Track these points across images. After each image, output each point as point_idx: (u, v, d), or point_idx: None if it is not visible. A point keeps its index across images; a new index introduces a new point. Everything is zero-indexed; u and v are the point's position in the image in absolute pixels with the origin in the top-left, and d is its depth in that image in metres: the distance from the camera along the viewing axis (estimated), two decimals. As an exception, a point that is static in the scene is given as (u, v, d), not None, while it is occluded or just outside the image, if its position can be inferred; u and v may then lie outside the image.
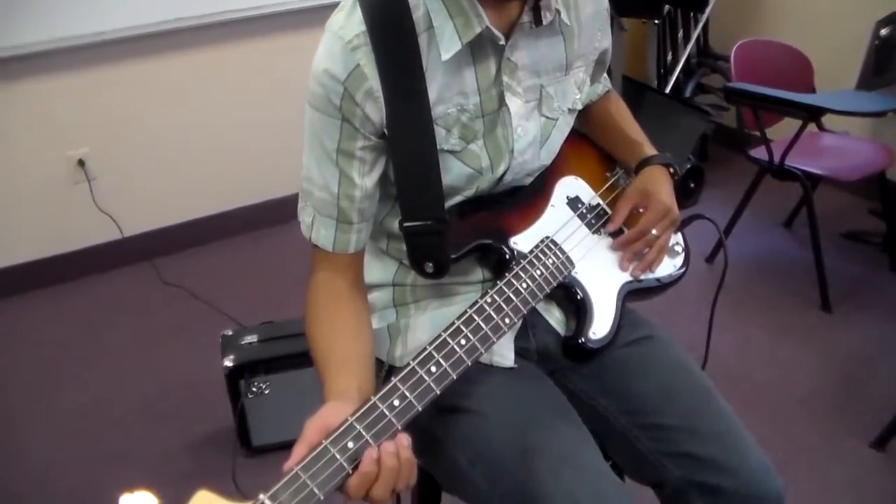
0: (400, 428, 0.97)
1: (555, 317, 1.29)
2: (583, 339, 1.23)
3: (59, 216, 3.47)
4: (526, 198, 1.29)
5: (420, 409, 0.99)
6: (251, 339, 2.52)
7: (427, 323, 1.25)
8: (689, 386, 1.25)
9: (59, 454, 2.57)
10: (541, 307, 1.28)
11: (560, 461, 1.09)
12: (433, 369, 1.02)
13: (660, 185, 1.33)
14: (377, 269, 1.30)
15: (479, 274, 1.26)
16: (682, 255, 1.40)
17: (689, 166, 1.38)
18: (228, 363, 2.43)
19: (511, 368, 1.23)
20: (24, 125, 3.31)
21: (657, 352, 1.30)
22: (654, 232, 1.31)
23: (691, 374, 1.27)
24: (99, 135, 3.45)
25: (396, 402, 0.97)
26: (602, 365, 1.28)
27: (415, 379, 1.00)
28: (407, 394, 0.98)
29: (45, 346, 3.15)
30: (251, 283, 3.39)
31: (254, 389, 2.46)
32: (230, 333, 2.56)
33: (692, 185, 1.42)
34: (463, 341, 1.06)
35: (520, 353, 1.26)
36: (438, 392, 1.01)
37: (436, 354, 1.03)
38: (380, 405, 0.96)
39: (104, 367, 2.98)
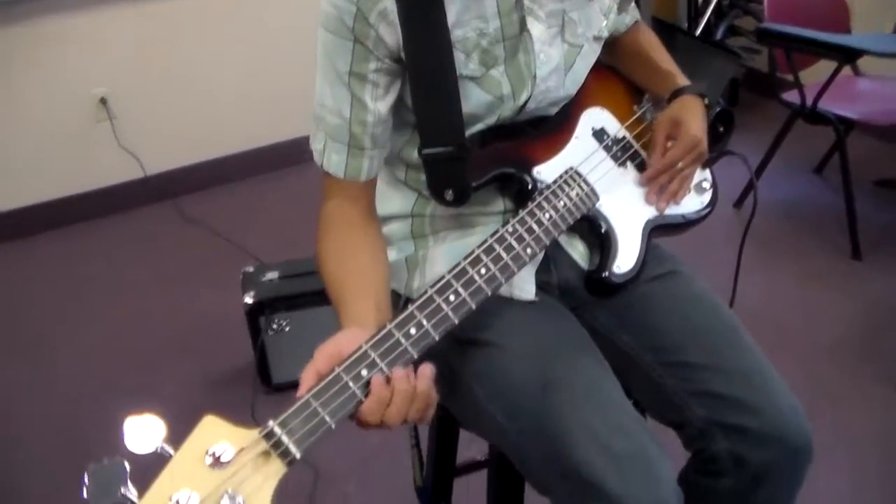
0: (416, 356, 0.95)
1: (578, 250, 1.26)
2: (606, 273, 1.20)
3: (82, 155, 3.47)
4: (550, 128, 1.25)
5: (437, 338, 0.97)
6: (272, 275, 2.52)
7: (446, 254, 1.23)
8: (716, 323, 1.22)
9: (80, 389, 2.60)
10: (563, 240, 1.25)
11: (581, 396, 1.07)
12: (451, 298, 0.99)
13: (692, 115, 1.28)
14: (395, 200, 1.28)
15: (500, 204, 1.23)
16: (710, 192, 1.36)
17: (718, 110, 1.34)
18: (249, 300, 2.43)
19: (532, 302, 1.20)
20: (46, 64, 3.29)
21: (682, 287, 1.27)
22: (679, 165, 1.27)
23: (718, 310, 1.24)
24: (121, 73, 3.43)
25: (413, 331, 0.95)
26: (625, 300, 1.25)
27: (432, 307, 0.98)
28: (424, 322, 0.96)
29: (69, 284, 3.17)
30: (273, 222, 3.38)
31: (274, 326, 2.46)
32: (251, 270, 2.56)
33: (721, 129, 1.38)
34: (483, 270, 1.03)
35: (541, 287, 1.23)
36: (456, 321, 0.99)
37: (454, 283, 1.01)
38: (395, 333, 0.94)
39: (126, 304, 3.00)
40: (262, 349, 2.47)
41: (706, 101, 1.31)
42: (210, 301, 2.92)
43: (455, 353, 1.16)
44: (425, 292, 0.98)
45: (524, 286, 1.20)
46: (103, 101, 3.42)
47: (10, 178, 3.39)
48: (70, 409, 2.49)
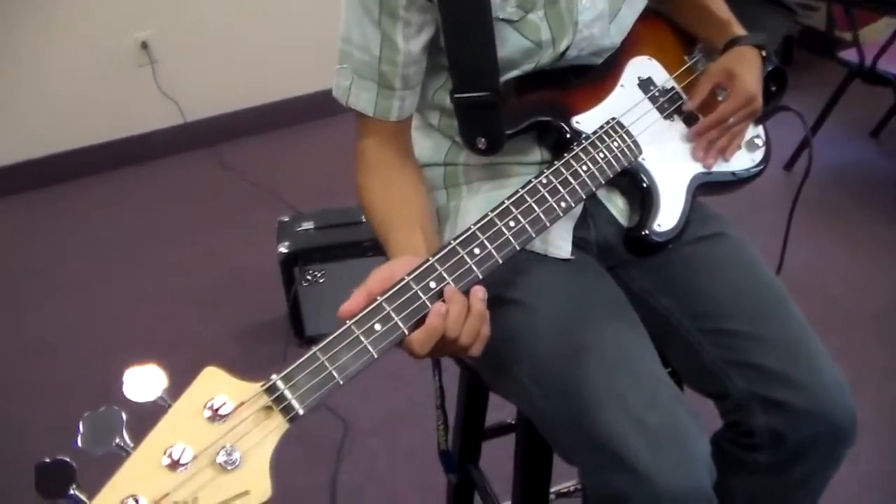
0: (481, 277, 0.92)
1: (617, 206, 1.19)
2: (646, 232, 1.13)
3: (122, 100, 3.45)
4: (593, 77, 1.18)
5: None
6: (308, 225, 2.47)
7: (479, 205, 1.16)
8: (761, 290, 1.14)
9: (112, 338, 2.60)
10: (602, 195, 1.18)
11: (613, 363, 1.01)
12: (476, 251, 0.93)
13: (747, 67, 1.20)
14: (428, 147, 1.21)
15: (537, 154, 1.16)
16: (763, 149, 1.28)
17: (770, 69, 1.25)
18: (283, 249, 2.39)
19: (567, 260, 1.14)
20: (88, 6, 3.26)
21: (728, 251, 1.19)
22: (731, 120, 1.19)
23: (764, 277, 1.16)
24: (163, 17, 3.39)
25: (433, 284, 0.90)
26: (666, 262, 1.18)
27: (454, 260, 0.92)
28: (445, 275, 0.90)
29: (105, 230, 3.17)
30: (312, 172, 3.34)
31: (308, 278, 2.43)
32: (287, 220, 2.52)
33: (774, 88, 1.29)
34: (512, 223, 0.97)
35: (578, 244, 1.16)
36: (480, 276, 0.93)
37: (480, 235, 0.94)
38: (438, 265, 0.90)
39: (161, 251, 2.99)
40: (296, 300, 2.44)
41: (764, 52, 1.22)
42: (245, 250, 2.89)
43: None
44: (448, 244, 0.93)
45: (559, 243, 1.13)
46: (145, 45, 3.38)
47: (51, 122, 3.37)
48: (102, 356, 2.48)
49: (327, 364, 0.81)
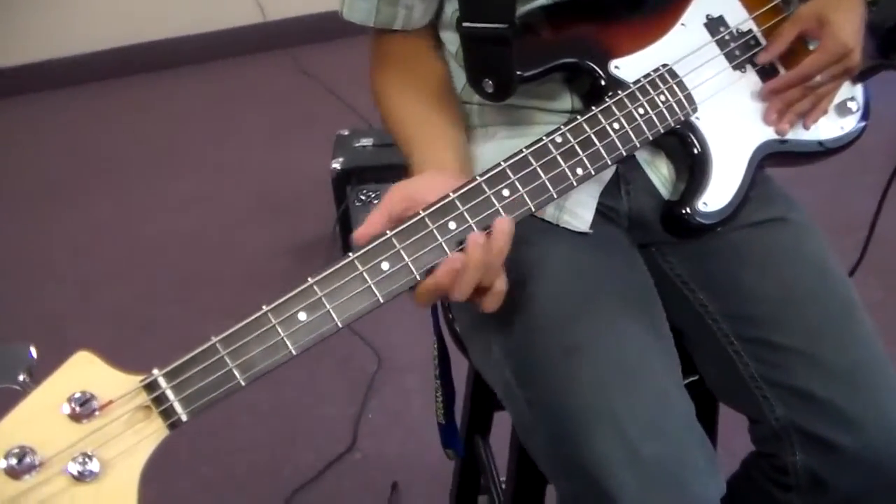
0: None
1: (660, 173, 0.98)
2: (688, 210, 0.92)
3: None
4: (647, 10, 0.96)
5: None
6: (366, 142, 2.32)
7: (492, 154, 0.96)
8: (823, 295, 0.93)
9: (165, 237, 2.54)
10: (643, 158, 0.97)
11: (612, 371, 0.82)
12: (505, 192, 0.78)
13: (845, 14, 0.95)
14: None
15: (567, 101, 0.96)
16: (857, 114, 1.04)
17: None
18: (336, 165, 2.25)
19: (584, 234, 0.94)
20: None
21: (789, 241, 0.97)
22: (818, 78, 0.95)
23: (830, 278, 0.94)
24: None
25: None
26: (711, 247, 0.97)
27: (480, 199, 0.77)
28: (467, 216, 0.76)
29: (172, 124, 3.11)
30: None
31: (361, 197, 2.28)
32: (346, 133, 2.37)
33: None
34: (506, 192, 0.78)
35: (605, 213, 0.97)
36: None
37: (487, 189, 0.78)
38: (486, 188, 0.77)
39: (226, 153, 2.91)
40: (346, 219, 2.30)
41: None
42: (309, 160, 2.76)
43: None
44: (473, 179, 0.78)
45: (578, 210, 0.94)
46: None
47: (130, 13, 3.28)
48: (152, 255, 2.44)
49: (228, 360, 0.65)
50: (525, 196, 0.80)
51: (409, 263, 0.73)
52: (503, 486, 1.19)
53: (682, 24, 0.97)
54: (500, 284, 0.77)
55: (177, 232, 2.55)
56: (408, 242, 0.73)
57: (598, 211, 0.95)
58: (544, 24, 0.91)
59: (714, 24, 0.99)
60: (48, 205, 2.74)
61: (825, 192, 2.23)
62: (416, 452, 1.84)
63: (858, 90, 1.05)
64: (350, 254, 0.72)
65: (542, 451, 0.86)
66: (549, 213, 0.94)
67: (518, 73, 0.86)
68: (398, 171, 2.29)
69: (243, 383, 0.66)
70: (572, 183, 0.82)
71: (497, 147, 0.98)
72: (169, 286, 2.35)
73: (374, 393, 1.98)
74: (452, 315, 1.10)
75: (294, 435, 1.90)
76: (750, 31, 1.01)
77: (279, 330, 0.68)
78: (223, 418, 1.91)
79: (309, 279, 0.71)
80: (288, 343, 0.68)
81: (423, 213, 0.74)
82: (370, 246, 0.72)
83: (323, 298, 0.70)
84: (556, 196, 0.81)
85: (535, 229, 0.92)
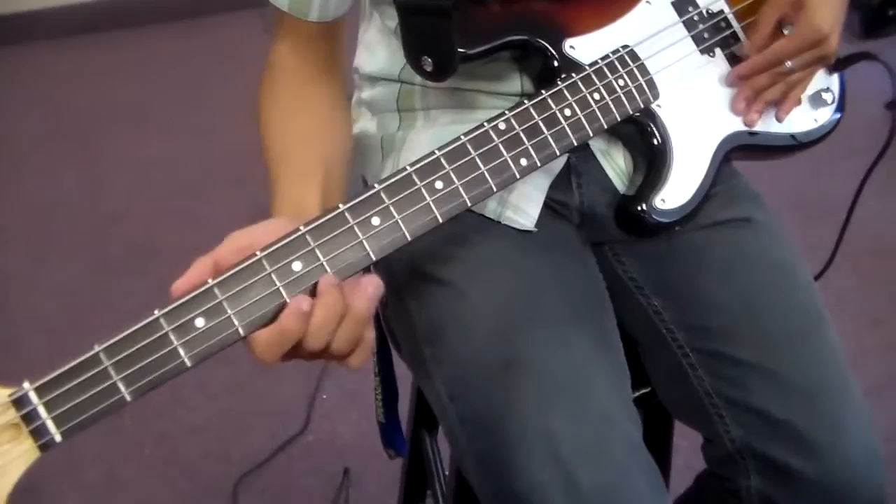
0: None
1: (616, 165, 0.90)
2: (643, 207, 0.84)
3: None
4: (611, -15, 0.88)
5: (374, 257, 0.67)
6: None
7: (431, 140, 0.88)
8: (787, 306, 0.85)
9: (127, 204, 2.45)
10: (598, 147, 0.90)
11: (553, 388, 0.75)
12: (375, 221, 0.67)
13: None
14: (382, 58, 0.94)
15: (516, 83, 0.88)
16: (832, 107, 0.96)
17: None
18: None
19: (529, 232, 0.87)
20: None
21: (753, 245, 0.89)
22: (789, 64, 0.88)
23: (795, 287, 0.87)
24: None
25: (296, 266, 0.64)
26: (669, 248, 0.90)
27: (341, 229, 0.66)
28: (319, 254, 0.65)
29: (142, 86, 3.01)
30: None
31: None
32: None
33: (891, 12, 0.95)
34: (439, 184, 0.70)
35: (554, 208, 0.90)
36: (409, 237, 0.68)
37: (417, 181, 0.69)
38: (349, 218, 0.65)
39: (192, 118, 2.82)
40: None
41: None
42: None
43: (411, 287, 0.86)
44: (372, 187, 0.67)
45: (524, 205, 0.86)
46: None
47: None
48: (110, 223, 2.37)
49: (112, 372, 0.58)
50: (460, 189, 0.72)
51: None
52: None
53: (647, 2, 0.89)
54: (369, 335, 0.65)
55: (139, 198, 2.47)
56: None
57: (546, 205, 0.88)
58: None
59: (682, 4, 0.91)
60: (7, 165, 2.65)
61: (803, 176, 2.17)
62: (371, 437, 1.75)
63: (834, 80, 0.98)
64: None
65: (474, 473, 0.79)
66: (490, 208, 0.86)
67: (460, 50, 0.78)
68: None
69: (129, 398, 0.58)
70: (515, 174, 0.75)
71: (437, 134, 0.89)
72: (126, 256, 2.27)
73: (328, 373, 1.90)
74: (387, 304, 1.01)
75: (245, 415, 1.84)
76: (721, 11, 0.93)
77: (171, 337, 0.60)
78: (171, 398, 1.84)
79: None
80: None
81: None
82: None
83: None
84: (495, 189, 0.74)
85: (473, 226, 0.84)
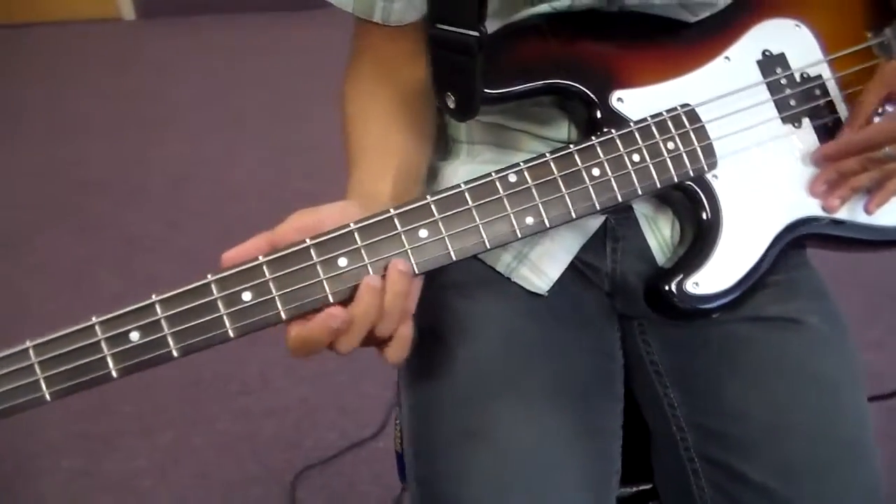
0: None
1: (660, 234, 0.81)
2: (670, 287, 0.74)
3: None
4: (685, 36, 0.79)
5: None
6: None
7: (467, 176, 0.82)
8: (823, 427, 0.73)
9: (255, 179, 2.50)
10: (642, 212, 0.81)
11: (514, 469, 0.68)
12: (423, 232, 0.65)
13: None
14: None
15: (563, 130, 0.80)
16: (943, 201, 0.83)
17: None
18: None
19: (540, 295, 0.79)
20: None
21: (797, 352, 0.77)
22: (888, 150, 0.75)
23: (837, 406, 0.74)
24: None
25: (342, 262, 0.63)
26: (702, 337, 0.80)
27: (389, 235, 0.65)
28: (364, 255, 0.63)
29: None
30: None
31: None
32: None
33: None
34: (423, 232, 0.65)
35: (583, 271, 0.81)
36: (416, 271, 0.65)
37: (436, 212, 0.66)
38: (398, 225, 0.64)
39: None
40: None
41: None
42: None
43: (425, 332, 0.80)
44: (386, 211, 0.65)
45: (544, 266, 0.79)
46: None
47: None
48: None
49: (37, 369, 0.58)
50: (447, 241, 0.66)
51: (277, 298, 0.61)
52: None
53: (727, 58, 0.79)
54: (406, 331, 0.64)
55: (265, 176, 2.52)
56: (280, 274, 0.62)
57: (574, 267, 0.80)
58: (545, 34, 0.75)
59: (770, 63, 0.80)
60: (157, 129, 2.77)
61: None
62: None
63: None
64: (209, 275, 0.61)
65: None
66: (504, 261, 0.79)
67: (487, 91, 0.72)
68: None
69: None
70: (516, 232, 0.68)
71: (476, 170, 0.82)
72: (247, 230, 2.33)
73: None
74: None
75: (324, 408, 1.84)
76: (819, 76, 0.81)
77: (104, 347, 0.59)
78: (259, 376, 1.87)
79: (153, 296, 0.61)
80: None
81: (308, 241, 0.62)
82: (234, 270, 0.61)
83: (163, 320, 0.60)
84: (489, 246, 0.67)
85: (480, 278, 0.78)
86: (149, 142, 2.76)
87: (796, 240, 0.79)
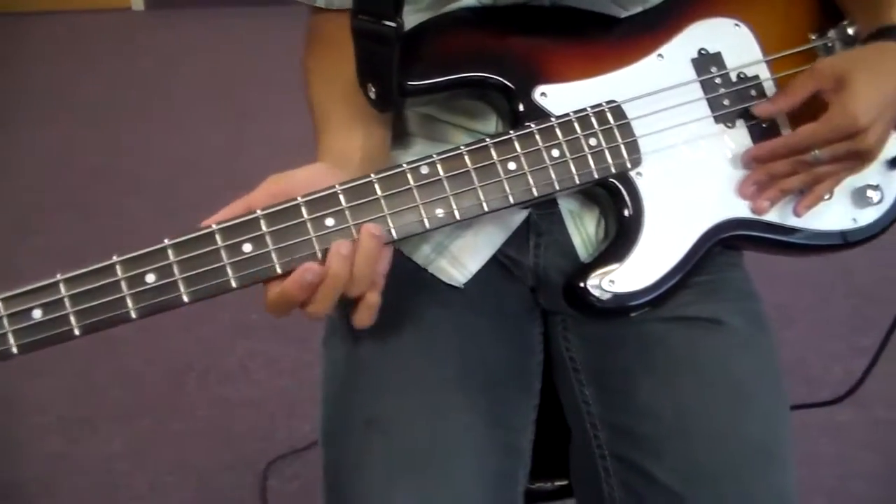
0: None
1: (584, 230, 0.80)
2: (585, 284, 0.73)
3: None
4: (617, 32, 0.78)
5: None
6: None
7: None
8: (730, 431, 0.72)
9: (261, 171, 2.51)
10: (568, 207, 0.80)
11: (409, 461, 0.68)
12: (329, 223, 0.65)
13: (872, 78, 0.73)
14: None
15: (492, 124, 0.80)
16: (879, 207, 0.81)
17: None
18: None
19: (457, 288, 0.79)
20: None
21: (713, 353, 0.76)
22: (817, 153, 0.74)
23: (748, 409, 0.73)
24: None
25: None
26: (618, 335, 0.79)
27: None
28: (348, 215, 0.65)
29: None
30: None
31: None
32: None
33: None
34: (330, 222, 0.65)
35: (506, 265, 0.81)
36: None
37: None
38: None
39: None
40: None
41: None
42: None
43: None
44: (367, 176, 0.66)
45: (464, 259, 0.79)
46: None
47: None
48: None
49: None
50: (353, 230, 0.66)
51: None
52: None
53: (660, 55, 0.78)
54: (373, 297, 0.65)
55: (270, 169, 2.53)
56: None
57: (497, 261, 0.79)
58: (471, 26, 0.75)
59: (705, 61, 0.79)
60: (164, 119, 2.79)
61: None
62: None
63: (893, 178, 0.82)
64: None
65: None
66: (423, 252, 0.79)
67: (408, 82, 0.71)
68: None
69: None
70: (424, 224, 0.68)
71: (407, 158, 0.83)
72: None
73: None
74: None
75: (301, 400, 1.84)
76: (756, 77, 0.80)
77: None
78: (239, 366, 1.88)
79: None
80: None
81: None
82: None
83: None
84: (395, 237, 0.67)
85: (396, 269, 0.77)
86: (153, 131, 2.78)
87: (725, 241, 0.78)
